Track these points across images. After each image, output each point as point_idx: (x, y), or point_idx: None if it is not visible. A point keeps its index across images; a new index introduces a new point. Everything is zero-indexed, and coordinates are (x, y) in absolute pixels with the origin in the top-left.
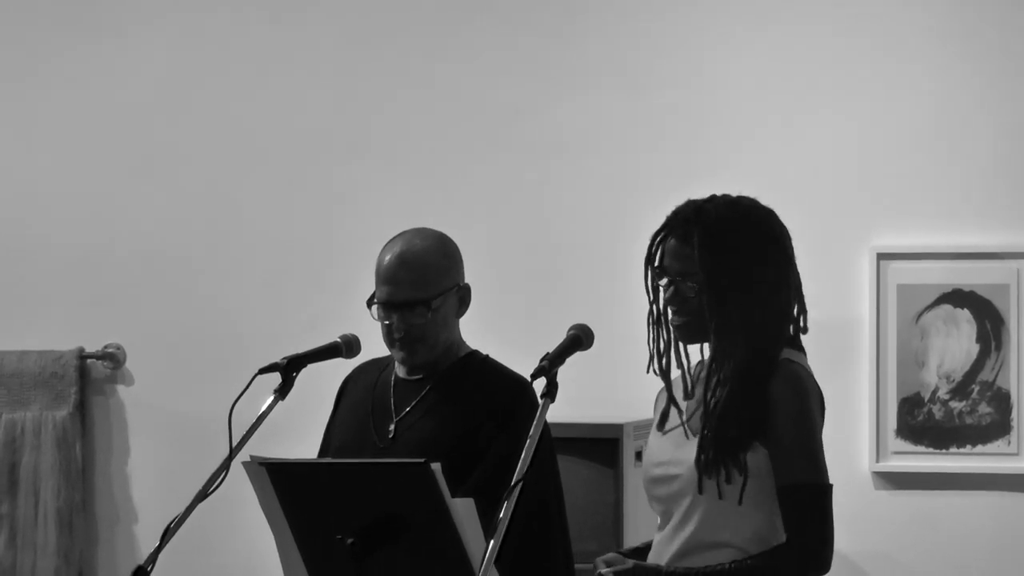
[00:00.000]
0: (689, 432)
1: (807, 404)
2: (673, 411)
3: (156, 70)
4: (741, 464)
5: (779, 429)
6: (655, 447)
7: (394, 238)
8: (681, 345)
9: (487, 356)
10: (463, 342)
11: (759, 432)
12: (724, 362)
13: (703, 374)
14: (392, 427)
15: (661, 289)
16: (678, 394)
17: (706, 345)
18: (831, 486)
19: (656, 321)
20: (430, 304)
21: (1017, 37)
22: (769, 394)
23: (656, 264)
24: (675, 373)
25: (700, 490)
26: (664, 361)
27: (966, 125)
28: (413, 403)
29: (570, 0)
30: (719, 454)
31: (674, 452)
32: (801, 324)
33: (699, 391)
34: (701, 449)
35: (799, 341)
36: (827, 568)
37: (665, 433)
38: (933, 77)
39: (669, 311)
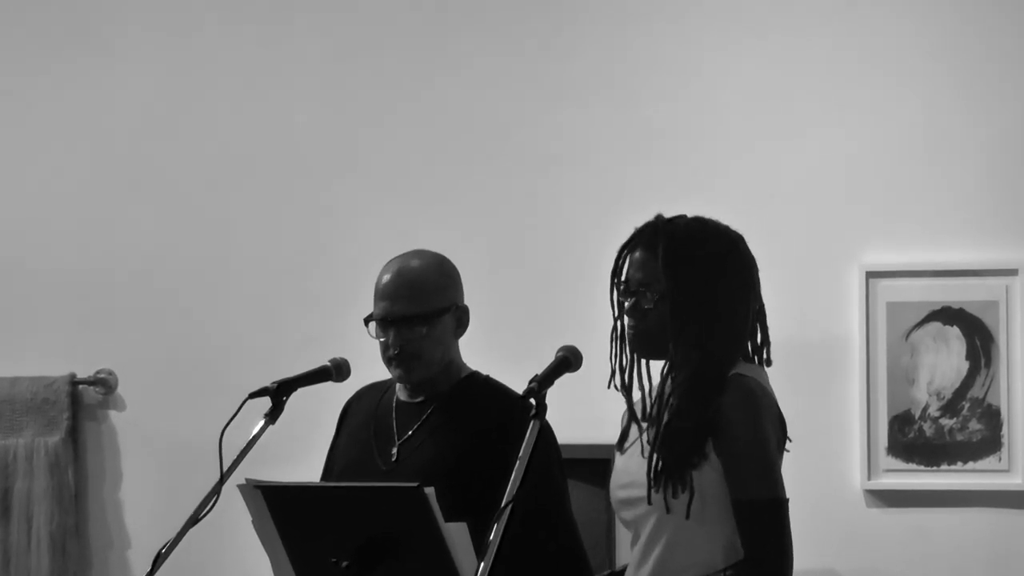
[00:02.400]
0: (646, 450)
1: (758, 418)
2: (634, 429)
3: (144, 90)
4: (685, 481)
5: (731, 444)
6: (618, 468)
7: (393, 258)
8: (643, 362)
9: (488, 376)
10: (463, 364)
11: (707, 448)
12: (677, 374)
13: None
14: (395, 450)
15: (623, 305)
16: (639, 413)
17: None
18: (786, 500)
19: (619, 337)
20: (427, 320)
21: (1005, 55)
22: (720, 409)
23: (620, 278)
24: (637, 394)
25: (649, 501)
26: (625, 377)
27: (955, 142)
28: (416, 426)
29: (560, 14)
30: (666, 468)
31: (636, 474)
32: (765, 355)
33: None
34: (649, 461)
35: (759, 361)
36: None
37: (624, 452)
38: (921, 94)
39: (628, 324)
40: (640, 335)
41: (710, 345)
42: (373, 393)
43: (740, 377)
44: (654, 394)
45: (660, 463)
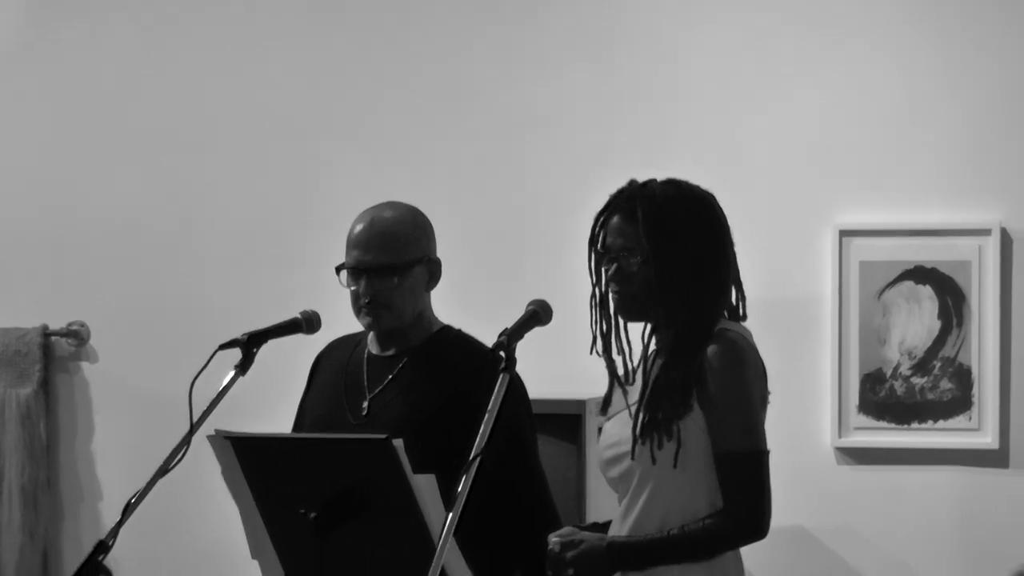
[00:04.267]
0: (631, 410)
1: (743, 372)
2: (617, 394)
3: (122, 49)
4: (672, 431)
5: (715, 397)
6: (604, 431)
7: (367, 209)
8: (623, 327)
9: (460, 331)
10: (435, 318)
11: (692, 399)
12: (664, 333)
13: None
14: (366, 404)
15: (604, 271)
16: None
17: (648, 327)
18: (767, 453)
19: (599, 303)
20: (398, 270)
21: (981, 17)
22: (705, 363)
23: (599, 245)
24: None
25: (632, 456)
26: (606, 343)
27: (929, 103)
28: (387, 380)
29: None
30: (652, 420)
31: (621, 432)
32: (740, 311)
33: (640, 372)
34: (636, 416)
35: (738, 318)
36: (763, 534)
37: (610, 417)
38: (897, 55)
39: (611, 289)
40: (625, 299)
41: (695, 305)
42: (344, 346)
43: (725, 332)
44: (635, 357)
45: (647, 416)
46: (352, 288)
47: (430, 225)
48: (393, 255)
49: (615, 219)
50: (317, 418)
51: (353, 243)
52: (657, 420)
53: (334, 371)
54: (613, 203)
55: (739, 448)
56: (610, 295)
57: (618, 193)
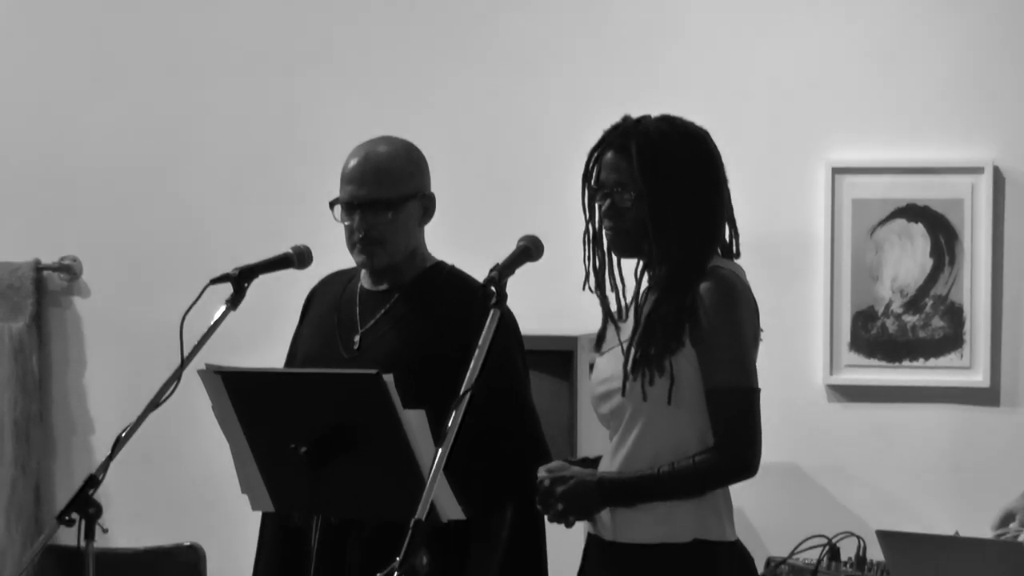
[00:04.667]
0: (624, 348)
1: (735, 309)
2: (610, 331)
3: None
4: (663, 366)
5: (706, 333)
6: (597, 367)
7: (361, 143)
8: (616, 263)
9: (453, 267)
10: (429, 253)
11: (684, 336)
12: (656, 269)
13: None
14: (358, 339)
15: (597, 207)
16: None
17: (641, 264)
18: (758, 390)
19: (593, 239)
20: (392, 205)
21: None
22: (697, 299)
23: (593, 180)
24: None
25: (623, 392)
26: (599, 279)
27: (922, 40)
28: (379, 315)
29: None
30: (644, 356)
31: (613, 368)
32: (734, 248)
33: (633, 308)
34: (627, 352)
35: (731, 255)
36: (753, 471)
37: (603, 353)
38: None
39: (604, 225)
40: (618, 235)
41: (688, 241)
42: (338, 281)
43: (718, 269)
44: (628, 293)
45: (638, 352)
46: (346, 223)
47: (424, 160)
48: (387, 190)
49: (609, 155)
50: (310, 352)
51: (347, 178)
52: (648, 356)
53: (327, 306)
54: (607, 139)
55: (730, 385)
56: (603, 231)
57: (612, 129)
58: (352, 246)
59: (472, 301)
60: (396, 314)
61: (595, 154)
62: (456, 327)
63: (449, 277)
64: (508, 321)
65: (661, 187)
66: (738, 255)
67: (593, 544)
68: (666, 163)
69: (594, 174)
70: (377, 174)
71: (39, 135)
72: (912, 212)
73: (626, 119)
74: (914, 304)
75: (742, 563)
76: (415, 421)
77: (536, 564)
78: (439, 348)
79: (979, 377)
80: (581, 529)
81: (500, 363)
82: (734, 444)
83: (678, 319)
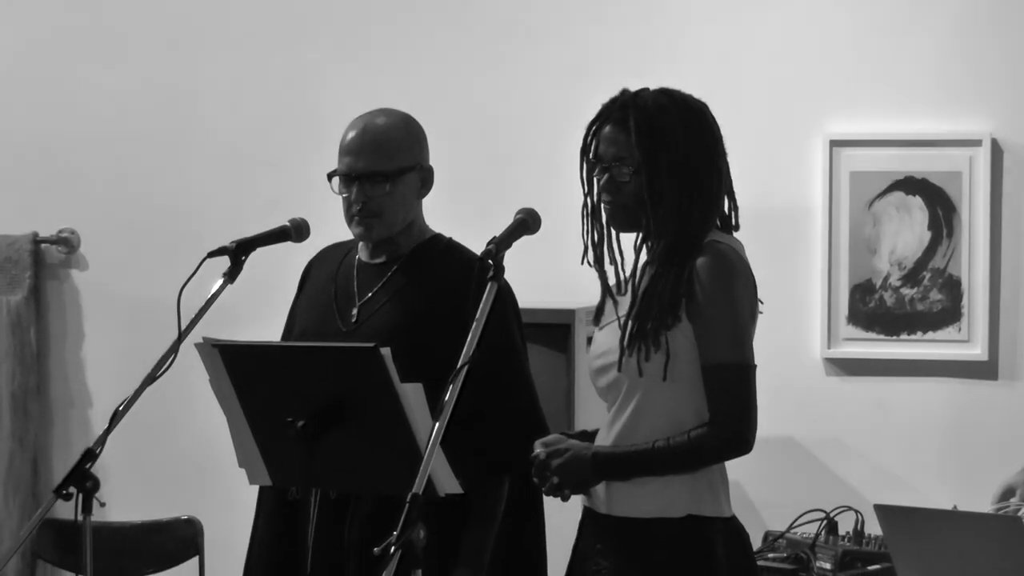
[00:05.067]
0: (621, 323)
1: (732, 284)
2: (609, 305)
3: None
4: (659, 341)
5: (703, 308)
6: (595, 340)
7: (360, 116)
8: (615, 237)
9: (451, 239)
10: (426, 226)
11: (681, 310)
12: (654, 243)
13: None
14: (355, 311)
15: (596, 181)
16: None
17: (639, 238)
18: (754, 366)
19: (591, 213)
20: (390, 177)
21: None
22: (694, 274)
23: (591, 154)
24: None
25: (620, 367)
26: (598, 253)
27: (921, 12)
28: (377, 287)
29: None
30: (640, 330)
31: (611, 342)
32: (733, 222)
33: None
34: (624, 327)
35: (730, 229)
36: (748, 448)
37: (602, 328)
38: None
39: (602, 199)
40: (617, 208)
41: (686, 215)
42: (335, 254)
43: (715, 243)
44: (627, 267)
45: (635, 327)
46: (344, 195)
47: (423, 133)
48: (385, 162)
49: (607, 128)
50: (307, 325)
51: (345, 150)
52: (645, 331)
53: (324, 278)
54: (606, 112)
55: (726, 360)
56: (602, 205)
57: (611, 102)
58: (350, 218)
59: (470, 274)
60: (394, 287)
61: (593, 127)
62: (454, 300)
63: (447, 250)
64: (505, 294)
65: (659, 160)
66: (737, 228)
67: (588, 517)
68: (664, 136)
69: (592, 148)
70: (375, 146)
71: (38, 108)
72: (910, 185)
73: (624, 92)
74: (912, 277)
75: (737, 538)
76: (412, 395)
77: (533, 537)
78: (436, 320)
79: (977, 350)
80: (577, 503)
81: (498, 338)
82: (729, 420)
83: (675, 294)
